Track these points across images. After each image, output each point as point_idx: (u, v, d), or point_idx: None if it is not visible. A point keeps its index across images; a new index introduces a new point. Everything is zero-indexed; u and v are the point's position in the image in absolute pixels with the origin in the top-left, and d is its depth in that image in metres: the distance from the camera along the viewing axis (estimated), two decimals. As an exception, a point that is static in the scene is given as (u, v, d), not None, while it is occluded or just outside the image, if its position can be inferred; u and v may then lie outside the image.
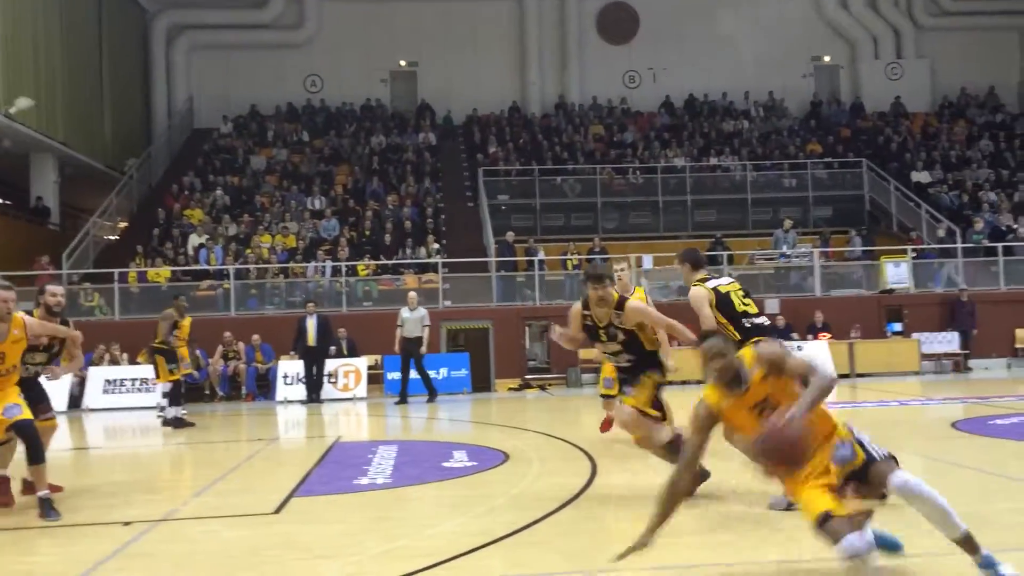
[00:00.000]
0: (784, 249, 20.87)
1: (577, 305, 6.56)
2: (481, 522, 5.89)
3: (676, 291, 20.13)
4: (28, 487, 7.37)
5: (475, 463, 8.30)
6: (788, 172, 25.14)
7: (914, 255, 20.48)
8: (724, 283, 6.44)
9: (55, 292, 7.38)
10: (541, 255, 20.56)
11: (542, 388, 18.08)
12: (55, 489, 7.51)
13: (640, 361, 6.39)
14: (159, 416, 13.16)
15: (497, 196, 23.69)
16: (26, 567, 5.32)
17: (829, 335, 18.57)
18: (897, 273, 19.97)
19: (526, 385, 18.19)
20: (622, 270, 8.68)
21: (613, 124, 28.25)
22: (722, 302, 6.25)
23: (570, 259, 20.69)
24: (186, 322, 12.91)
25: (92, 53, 25.15)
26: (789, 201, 24.05)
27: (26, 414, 6.57)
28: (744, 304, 6.30)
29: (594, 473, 7.52)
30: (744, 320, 6.20)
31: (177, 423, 12.48)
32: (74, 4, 23.95)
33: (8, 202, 25.39)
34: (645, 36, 30.17)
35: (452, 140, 28.23)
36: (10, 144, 21.35)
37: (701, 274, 6.50)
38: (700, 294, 6.31)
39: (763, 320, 6.42)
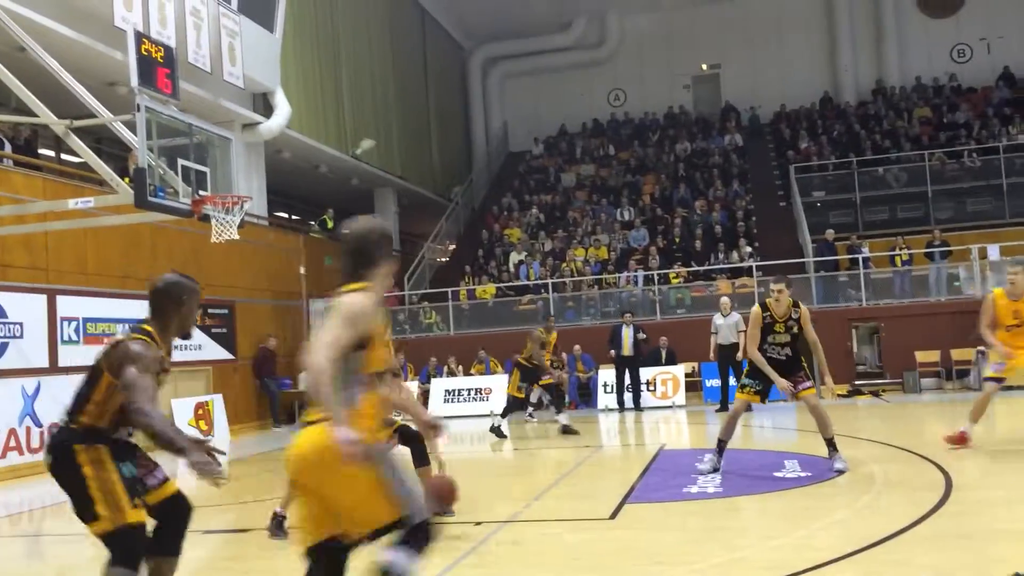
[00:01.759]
0: None
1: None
2: (826, 535, 5.62)
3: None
4: None
5: (809, 473, 7.95)
6: None
7: None
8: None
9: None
10: (866, 252, 19.23)
11: (875, 394, 16.85)
12: None
13: None
14: (557, 421, 13.93)
15: (811, 193, 22.59)
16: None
17: None
18: None
19: (856, 391, 17.05)
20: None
21: (941, 104, 25.80)
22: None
23: (899, 254, 19.13)
24: (552, 337, 14.09)
25: (420, 93, 27.70)
26: None
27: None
28: None
29: (949, 486, 6.87)
30: None
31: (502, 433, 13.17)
32: (403, 48, 26.53)
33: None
34: (974, 4, 27.20)
35: (759, 139, 27.36)
36: (358, 182, 24.17)
37: None
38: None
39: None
